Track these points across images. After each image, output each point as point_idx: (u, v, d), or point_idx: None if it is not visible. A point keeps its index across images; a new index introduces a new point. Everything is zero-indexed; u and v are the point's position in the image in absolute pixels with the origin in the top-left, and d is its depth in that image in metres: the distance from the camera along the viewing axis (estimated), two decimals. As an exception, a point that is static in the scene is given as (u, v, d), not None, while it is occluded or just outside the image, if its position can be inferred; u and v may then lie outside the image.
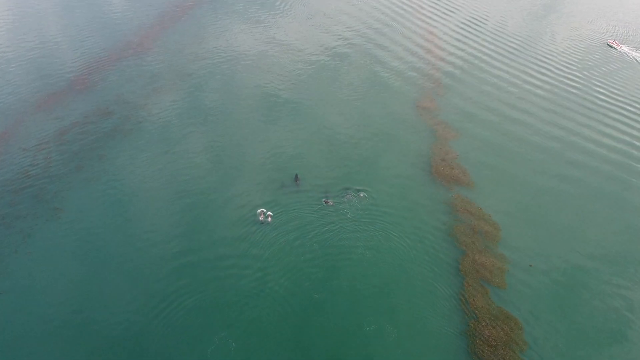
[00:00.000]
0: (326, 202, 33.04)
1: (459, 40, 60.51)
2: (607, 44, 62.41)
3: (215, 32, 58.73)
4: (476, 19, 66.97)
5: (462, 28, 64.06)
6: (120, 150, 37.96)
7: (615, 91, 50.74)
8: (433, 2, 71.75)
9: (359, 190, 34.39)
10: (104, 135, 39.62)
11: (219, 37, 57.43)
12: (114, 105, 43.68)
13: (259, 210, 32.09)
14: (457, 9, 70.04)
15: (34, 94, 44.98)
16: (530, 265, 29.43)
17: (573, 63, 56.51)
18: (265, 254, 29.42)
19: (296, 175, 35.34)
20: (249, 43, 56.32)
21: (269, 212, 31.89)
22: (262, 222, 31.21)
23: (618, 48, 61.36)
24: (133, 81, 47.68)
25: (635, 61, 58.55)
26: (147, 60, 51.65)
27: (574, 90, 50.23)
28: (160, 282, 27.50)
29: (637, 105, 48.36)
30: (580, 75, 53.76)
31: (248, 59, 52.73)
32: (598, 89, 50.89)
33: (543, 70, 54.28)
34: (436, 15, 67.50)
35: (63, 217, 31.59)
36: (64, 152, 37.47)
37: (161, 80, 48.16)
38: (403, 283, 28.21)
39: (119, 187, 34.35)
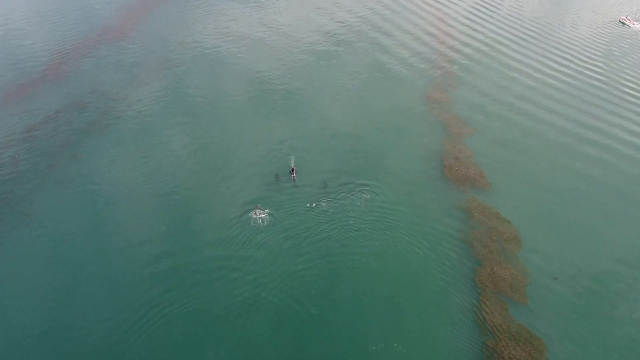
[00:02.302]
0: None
1: (471, 28, 60.16)
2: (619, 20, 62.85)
3: (204, 15, 58.36)
4: (490, 3, 66.61)
5: (474, 14, 63.75)
6: (96, 147, 37.55)
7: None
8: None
9: (361, 185, 34.17)
10: (78, 131, 39.22)
11: (207, 21, 57.05)
12: (89, 97, 43.25)
13: (254, 206, 32.28)
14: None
15: (1, 85, 44.53)
16: (555, 279, 29.05)
17: (596, 51, 56.16)
18: (258, 258, 29.13)
19: (292, 168, 35.16)
20: (241, 27, 55.95)
21: (265, 211, 31.77)
22: (256, 218, 31.11)
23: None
24: (111, 71, 47.23)
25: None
26: (127, 47, 51.23)
27: (597, 83, 49.70)
28: (138, 288, 27.37)
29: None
30: (605, 65, 53.35)
31: (239, 45, 52.37)
32: (625, 80, 50.42)
33: (563, 60, 53.93)
34: (448, -3, 67.31)
35: (33, 223, 31.25)
36: (34, 150, 37.04)
37: (143, 69, 47.74)
38: (413, 296, 27.80)
39: (95, 188, 34.03)
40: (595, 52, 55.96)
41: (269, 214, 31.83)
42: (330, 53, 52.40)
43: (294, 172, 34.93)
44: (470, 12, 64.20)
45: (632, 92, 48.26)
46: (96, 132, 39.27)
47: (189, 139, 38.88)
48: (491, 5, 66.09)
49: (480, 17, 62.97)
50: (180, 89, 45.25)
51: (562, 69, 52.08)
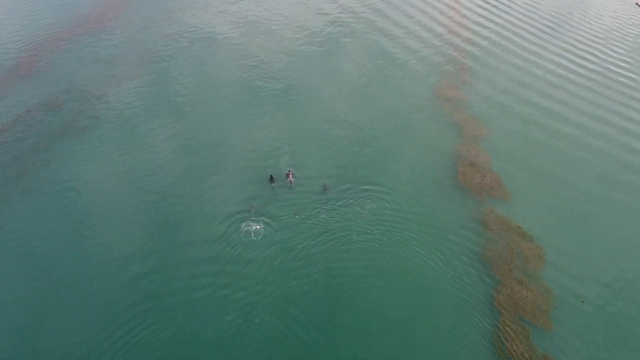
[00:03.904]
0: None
1: (486, 18, 59.68)
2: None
3: (191, 3, 57.96)
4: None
5: (489, 2, 63.38)
6: (71, 152, 37.01)
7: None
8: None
9: (365, 192, 33.77)
10: (51, 133, 38.67)
11: (195, 9, 56.64)
12: (64, 95, 42.71)
13: (250, 206, 32.60)
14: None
15: (-34, 81, 44.12)
16: (583, 301, 28.40)
17: (625, 43, 55.69)
18: (249, 274, 28.59)
19: (289, 171, 34.96)
20: (232, 16, 55.61)
21: (259, 220, 31.67)
22: (249, 229, 31.17)
23: None
24: (89, 65, 46.73)
25: None
26: (107, 38, 50.69)
27: (625, 80, 49.17)
28: (117, 306, 27.02)
29: None
30: (634, 59, 52.87)
31: (231, 36, 51.91)
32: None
33: (589, 54, 53.41)
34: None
35: (-1, 237, 30.76)
36: (2, 154, 36.58)
37: (123, 63, 47.25)
38: (424, 319, 27.17)
39: (70, 197, 33.52)
40: (624, 44, 55.52)
41: (262, 224, 31.45)
42: (331, 45, 51.94)
43: (291, 175, 34.68)
44: (486, 1, 63.74)
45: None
46: (71, 134, 38.70)
47: (175, 141, 38.41)
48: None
49: (497, 7, 62.51)
50: (165, 85, 44.73)
51: (589, 64, 51.51)
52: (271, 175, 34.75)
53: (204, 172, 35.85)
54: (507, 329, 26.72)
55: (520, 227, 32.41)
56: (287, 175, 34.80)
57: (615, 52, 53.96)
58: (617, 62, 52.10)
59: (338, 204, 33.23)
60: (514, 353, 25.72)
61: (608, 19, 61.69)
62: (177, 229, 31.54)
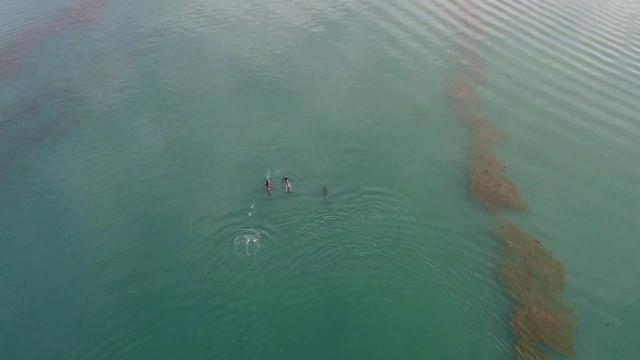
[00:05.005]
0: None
1: (500, 9, 59.27)
2: None
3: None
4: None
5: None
6: (50, 157, 36.78)
7: None
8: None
9: (368, 202, 33.51)
10: (29, 137, 38.44)
11: (184, 0, 56.58)
12: (43, 95, 42.53)
13: (247, 208, 32.81)
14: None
15: (-64, 80, 43.81)
16: (607, 324, 27.95)
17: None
18: (242, 295, 28.20)
19: (286, 178, 34.77)
20: (224, 7, 55.48)
21: (255, 232, 31.40)
22: (244, 242, 30.88)
23: None
24: (70, 62, 46.63)
25: None
26: (89, 33, 50.57)
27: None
28: (95, 319, 27.09)
29: None
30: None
31: (221, 30, 51.70)
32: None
33: (614, 50, 52.93)
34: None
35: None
36: (-26, 161, 36.15)
37: (107, 60, 47.11)
38: (434, 342, 26.68)
39: (50, 204, 33.44)
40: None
41: (257, 237, 31.13)
42: (332, 38, 51.73)
43: (288, 182, 34.47)
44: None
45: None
46: (50, 138, 38.41)
47: (162, 144, 38.18)
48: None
49: (511, -3, 62.11)
50: (151, 84, 44.47)
51: (612, 60, 50.97)
52: (267, 180, 34.41)
53: (193, 178, 35.52)
54: (525, 354, 26.11)
55: (538, 242, 31.91)
56: (285, 181, 34.49)
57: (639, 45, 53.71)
58: (640, 57, 51.84)
59: (340, 212, 32.82)
60: (532, 382, 25.34)
61: (629, 10, 61.34)
62: (165, 242, 31.16)
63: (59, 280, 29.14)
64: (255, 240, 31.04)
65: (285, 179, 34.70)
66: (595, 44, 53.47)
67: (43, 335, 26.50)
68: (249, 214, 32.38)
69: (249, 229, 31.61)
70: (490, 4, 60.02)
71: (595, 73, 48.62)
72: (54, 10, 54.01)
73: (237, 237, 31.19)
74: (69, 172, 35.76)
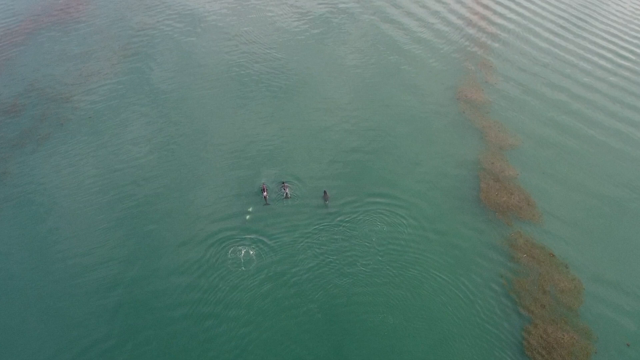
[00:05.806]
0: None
1: (511, 7, 59.35)
2: None
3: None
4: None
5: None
6: (32, 163, 36.63)
7: None
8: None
9: (370, 211, 33.18)
10: (9, 142, 38.32)
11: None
12: (24, 97, 42.38)
13: (245, 211, 32.79)
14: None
15: None
16: (628, 345, 27.54)
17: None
18: (237, 314, 27.86)
19: (283, 183, 34.68)
20: (216, 3, 55.73)
21: (249, 251, 30.93)
22: (239, 255, 30.74)
23: None
24: (54, 62, 46.45)
25: None
26: (74, 31, 50.45)
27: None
28: (78, 328, 27.13)
29: None
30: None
31: (213, 20, 51.75)
32: None
33: (628, 50, 52.92)
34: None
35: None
36: (-50, 168, 35.87)
37: (93, 59, 46.97)
38: (442, 367, 26.19)
39: (32, 211, 33.50)
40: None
41: (253, 249, 30.88)
42: (335, 34, 51.79)
43: (286, 188, 34.34)
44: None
45: None
46: (32, 143, 38.16)
47: (150, 146, 38.18)
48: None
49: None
50: (140, 83, 44.38)
51: (630, 64, 50.99)
52: (263, 187, 34.14)
53: (185, 183, 35.37)
54: (540, 379, 26.00)
55: (553, 255, 31.57)
56: (282, 186, 34.33)
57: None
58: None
59: (341, 220, 32.60)
60: (548, 409, 25.00)
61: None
62: (155, 254, 30.88)
63: (42, 287, 29.06)
64: (251, 252, 30.69)
65: (283, 183, 34.48)
66: (612, 47, 53.32)
67: (26, 342, 26.51)
68: (247, 216, 32.36)
69: (243, 240, 31.25)
70: (500, 4, 60.12)
71: (612, 78, 48.37)
72: (36, 5, 54.18)
73: (232, 249, 30.82)
74: (51, 179, 35.54)
